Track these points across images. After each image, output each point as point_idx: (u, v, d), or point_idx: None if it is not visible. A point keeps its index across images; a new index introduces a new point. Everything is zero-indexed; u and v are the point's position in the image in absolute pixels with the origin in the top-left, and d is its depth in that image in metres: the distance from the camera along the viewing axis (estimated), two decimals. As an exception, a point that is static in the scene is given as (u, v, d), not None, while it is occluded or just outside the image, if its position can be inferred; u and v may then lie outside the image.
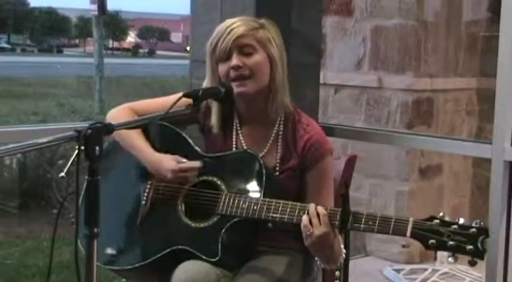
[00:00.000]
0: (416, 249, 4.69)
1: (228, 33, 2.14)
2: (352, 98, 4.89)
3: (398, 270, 4.44)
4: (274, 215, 2.02)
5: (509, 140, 2.58)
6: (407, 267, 4.50)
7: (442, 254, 4.65)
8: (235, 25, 2.15)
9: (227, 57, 2.15)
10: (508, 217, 2.59)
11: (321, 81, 3.52)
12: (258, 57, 2.16)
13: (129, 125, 2.01)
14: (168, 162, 2.16)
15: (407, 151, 4.67)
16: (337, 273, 2.36)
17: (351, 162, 2.43)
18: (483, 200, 4.59)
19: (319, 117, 3.33)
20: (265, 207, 2.03)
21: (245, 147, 2.23)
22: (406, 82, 4.70)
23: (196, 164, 2.17)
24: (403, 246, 4.66)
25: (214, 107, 2.25)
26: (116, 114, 2.28)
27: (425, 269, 4.41)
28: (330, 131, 3.13)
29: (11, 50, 37.69)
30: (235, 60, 2.14)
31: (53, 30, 40.78)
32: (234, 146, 2.24)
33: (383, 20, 4.75)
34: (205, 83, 2.23)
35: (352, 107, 4.88)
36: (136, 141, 2.24)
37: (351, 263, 2.51)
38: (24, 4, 41.69)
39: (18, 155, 6.62)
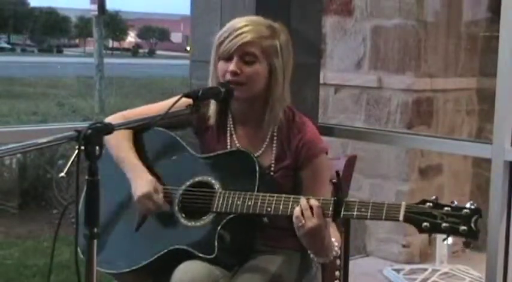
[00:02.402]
0: (417, 249, 4.69)
1: (236, 37, 2.12)
2: (352, 98, 4.89)
3: (398, 270, 4.44)
4: (269, 209, 2.03)
5: (509, 140, 2.59)
6: (407, 267, 4.50)
7: (442, 254, 4.63)
8: (245, 29, 2.13)
9: (228, 58, 2.14)
10: (508, 217, 2.59)
11: (321, 81, 3.52)
12: (258, 67, 2.14)
13: (129, 125, 2.01)
14: (143, 184, 2.16)
15: (407, 151, 4.67)
16: (337, 273, 2.36)
17: (350, 162, 2.43)
18: (483, 200, 4.58)
19: (319, 117, 3.33)
20: (259, 202, 2.04)
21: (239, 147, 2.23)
22: (406, 82, 4.70)
23: (166, 207, 2.16)
24: (403, 246, 4.66)
25: (213, 106, 2.25)
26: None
27: (425, 269, 4.41)
28: (329, 131, 3.13)
29: (11, 50, 37.62)
30: (233, 66, 2.13)
31: (53, 30, 40.69)
32: (228, 146, 2.25)
33: (383, 20, 4.75)
34: (210, 76, 2.23)
35: (352, 107, 4.88)
36: (126, 154, 2.24)
37: (351, 263, 2.51)
38: (24, 4, 41.61)
39: (18, 155, 6.62)
